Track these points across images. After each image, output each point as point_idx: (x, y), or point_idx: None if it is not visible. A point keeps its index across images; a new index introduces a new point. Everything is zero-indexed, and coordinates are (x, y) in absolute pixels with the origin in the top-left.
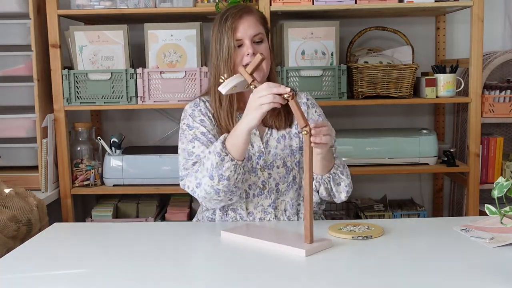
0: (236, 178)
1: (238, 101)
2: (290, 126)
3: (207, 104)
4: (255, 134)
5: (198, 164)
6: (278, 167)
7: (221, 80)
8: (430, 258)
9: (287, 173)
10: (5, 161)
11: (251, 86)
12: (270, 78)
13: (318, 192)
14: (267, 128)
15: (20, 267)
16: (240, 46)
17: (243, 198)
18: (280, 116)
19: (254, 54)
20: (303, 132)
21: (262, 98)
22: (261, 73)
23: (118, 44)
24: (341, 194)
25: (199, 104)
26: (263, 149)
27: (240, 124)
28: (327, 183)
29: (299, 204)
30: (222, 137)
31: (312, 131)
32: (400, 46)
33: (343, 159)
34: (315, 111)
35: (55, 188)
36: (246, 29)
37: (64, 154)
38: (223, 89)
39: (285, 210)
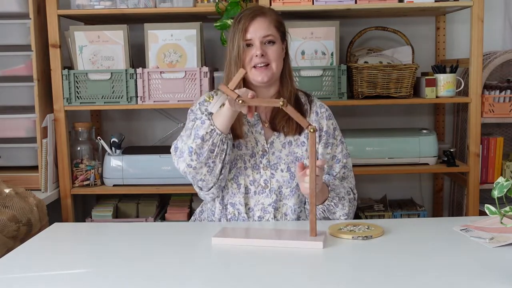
0: (210, 145)
1: None
2: (300, 134)
3: None
4: (260, 133)
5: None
6: (282, 171)
7: (209, 99)
8: (430, 258)
9: (291, 179)
10: (5, 161)
11: (239, 102)
12: (282, 81)
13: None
14: (276, 132)
15: (20, 267)
16: (250, 46)
17: (242, 193)
18: (290, 121)
19: (262, 55)
20: (310, 130)
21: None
22: (269, 72)
23: (118, 44)
24: (340, 218)
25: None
26: (266, 148)
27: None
28: (322, 212)
29: (301, 211)
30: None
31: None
32: (400, 46)
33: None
34: (332, 124)
35: (55, 188)
36: (256, 30)
37: (64, 154)
38: (213, 109)
39: (286, 214)
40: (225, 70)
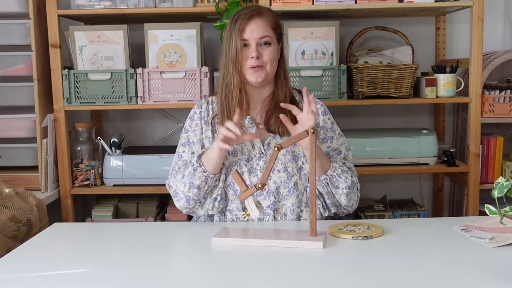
0: (207, 189)
1: (240, 101)
2: None
3: (211, 106)
4: None
5: (182, 170)
6: (279, 171)
7: (246, 216)
8: (430, 258)
9: (288, 178)
10: (5, 161)
11: (259, 186)
12: (277, 82)
13: (324, 201)
14: (271, 133)
15: (20, 267)
16: (246, 46)
17: (237, 204)
18: None
19: (258, 57)
20: (310, 131)
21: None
22: (263, 73)
23: (118, 44)
24: (341, 197)
25: (202, 105)
26: (263, 151)
27: (215, 142)
28: (325, 186)
29: (301, 211)
30: (201, 151)
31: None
32: (400, 46)
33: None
34: (328, 119)
35: (55, 188)
36: (253, 31)
37: (64, 154)
38: (255, 215)
39: (285, 215)
40: (221, 69)
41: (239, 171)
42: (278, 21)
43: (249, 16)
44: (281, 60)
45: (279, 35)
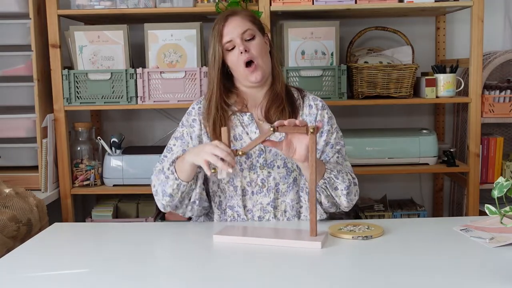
0: (180, 196)
1: (239, 103)
2: None
3: None
4: (255, 132)
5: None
6: (278, 167)
7: (214, 171)
8: (430, 258)
9: (287, 174)
10: (5, 161)
11: (240, 153)
12: (274, 74)
13: (321, 203)
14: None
15: (20, 267)
16: (233, 48)
17: (239, 195)
18: (284, 113)
19: (246, 51)
20: (310, 131)
21: (207, 154)
22: (259, 70)
23: (118, 44)
24: (341, 199)
25: (202, 101)
26: (263, 147)
27: (188, 154)
28: (325, 190)
29: (301, 207)
30: (174, 157)
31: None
32: (400, 46)
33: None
34: (326, 113)
35: (55, 188)
36: (233, 29)
37: (64, 154)
38: (222, 175)
39: (285, 211)
40: (208, 75)
41: (238, 168)
42: (255, 16)
43: (225, 19)
44: (273, 52)
45: (260, 27)
